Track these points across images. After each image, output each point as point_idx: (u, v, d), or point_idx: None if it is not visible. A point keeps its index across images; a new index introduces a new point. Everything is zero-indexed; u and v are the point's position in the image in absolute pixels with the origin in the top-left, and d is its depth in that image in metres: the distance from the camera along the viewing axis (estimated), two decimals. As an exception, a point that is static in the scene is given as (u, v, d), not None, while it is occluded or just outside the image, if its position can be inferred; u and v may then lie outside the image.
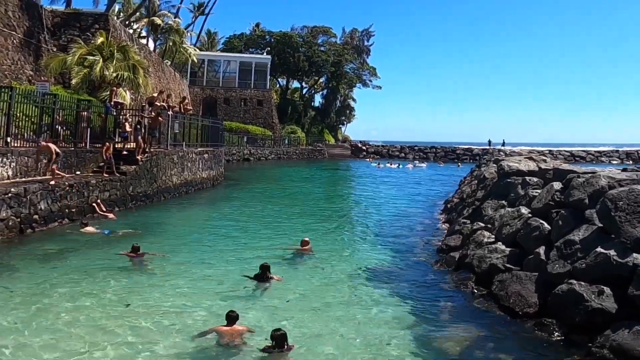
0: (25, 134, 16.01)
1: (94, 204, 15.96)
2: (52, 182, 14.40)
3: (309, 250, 12.23)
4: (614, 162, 62.89)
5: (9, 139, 14.75)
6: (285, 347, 6.55)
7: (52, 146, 14.80)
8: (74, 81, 23.86)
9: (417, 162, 61.66)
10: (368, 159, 65.09)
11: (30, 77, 25.54)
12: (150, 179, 20.13)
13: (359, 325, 7.83)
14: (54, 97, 17.82)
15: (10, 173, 14.27)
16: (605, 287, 6.93)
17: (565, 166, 11.19)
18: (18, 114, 15.53)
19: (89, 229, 13.76)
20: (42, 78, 24.65)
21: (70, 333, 7.11)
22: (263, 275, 9.54)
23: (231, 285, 9.71)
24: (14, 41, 25.06)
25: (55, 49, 27.95)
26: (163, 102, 23.31)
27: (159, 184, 20.86)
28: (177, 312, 8.12)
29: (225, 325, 7.07)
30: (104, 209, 16.13)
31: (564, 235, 8.21)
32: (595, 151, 71.54)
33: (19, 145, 15.24)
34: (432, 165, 58.74)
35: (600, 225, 7.75)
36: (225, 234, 14.93)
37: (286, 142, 65.71)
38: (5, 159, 14.12)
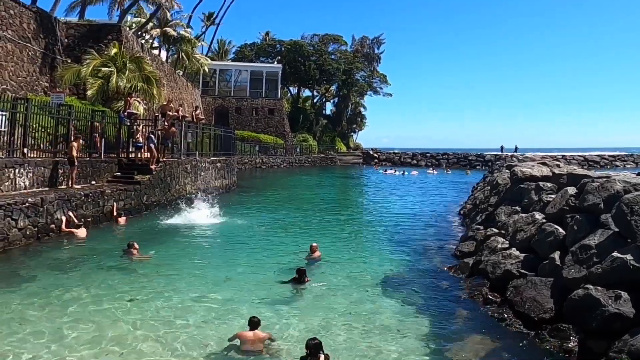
0: (42, 145, 16.27)
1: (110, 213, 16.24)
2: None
3: (318, 256, 12.28)
4: (629, 166, 62.29)
5: (25, 150, 15.00)
6: (321, 356, 6.36)
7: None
8: (89, 92, 24.20)
9: (431, 168, 61.44)
10: (374, 166, 65.13)
11: (45, 89, 25.94)
12: (164, 188, 20.30)
13: (370, 333, 7.78)
14: (69, 108, 18.10)
15: (27, 183, 14.49)
16: (622, 292, 6.85)
17: (579, 171, 11.10)
18: (34, 125, 15.81)
19: (80, 233, 14.03)
20: (57, 89, 25.03)
21: (83, 334, 7.25)
22: (300, 279, 9.91)
23: (238, 288, 9.93)
24: (29, 53, 25.49)
25: (69, 61, 28.35)
26: (175, 111, 23.55)
27: (172, 192, 21.03)
28: (190, 314, 8.18)
29: (247, 331, 7.08)
30: (114, 214, 16.49)
31: (580, 240, 8.14)
32: (609, 155, 70.64)
33: (35, 155, 15.48)
34: (441, 172, 58.43)
35: (616, 229, 7.67)
36: (235, 239, 14.96)
37: (298, 150, 65.90)
38: (22, 169, 14.35)
